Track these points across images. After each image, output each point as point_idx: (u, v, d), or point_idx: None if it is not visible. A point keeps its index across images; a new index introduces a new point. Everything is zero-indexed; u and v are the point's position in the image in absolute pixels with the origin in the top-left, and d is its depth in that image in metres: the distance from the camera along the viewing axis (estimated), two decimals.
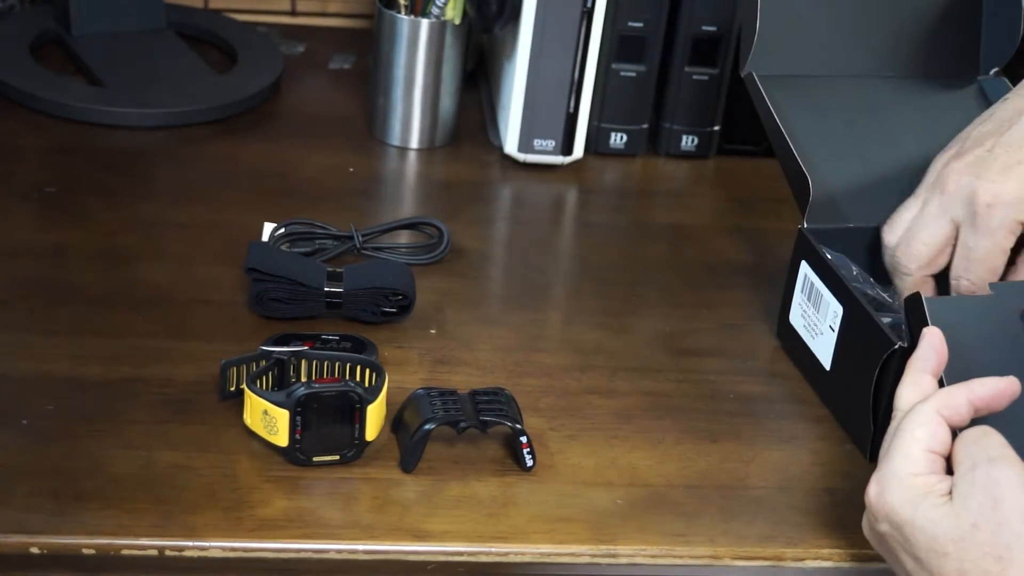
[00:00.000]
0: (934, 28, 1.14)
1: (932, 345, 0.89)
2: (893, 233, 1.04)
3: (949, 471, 0.82)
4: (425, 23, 1.28)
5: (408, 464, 0.94)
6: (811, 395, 1.06)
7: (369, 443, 0.95)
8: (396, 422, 0.97)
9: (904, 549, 0.81)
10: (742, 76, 1.10)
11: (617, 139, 1.34)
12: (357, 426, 0.93)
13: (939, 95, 1.15)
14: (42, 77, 1.34)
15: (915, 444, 0.82)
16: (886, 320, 0.99)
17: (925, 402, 0.84)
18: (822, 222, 1.07)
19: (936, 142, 1.06)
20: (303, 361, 0.98)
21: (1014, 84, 1.07)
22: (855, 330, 1.00)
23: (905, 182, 1.09)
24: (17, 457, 0.92)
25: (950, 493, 0.80)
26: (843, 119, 1.11)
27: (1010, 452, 0.80)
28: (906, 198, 1.07)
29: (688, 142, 1.35)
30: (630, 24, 1.29)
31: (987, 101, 1.13)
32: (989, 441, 0.81)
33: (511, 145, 1.30)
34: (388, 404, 0.96)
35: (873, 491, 0.83)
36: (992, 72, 1.15)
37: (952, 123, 1.07)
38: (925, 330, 0.90)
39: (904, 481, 0.81)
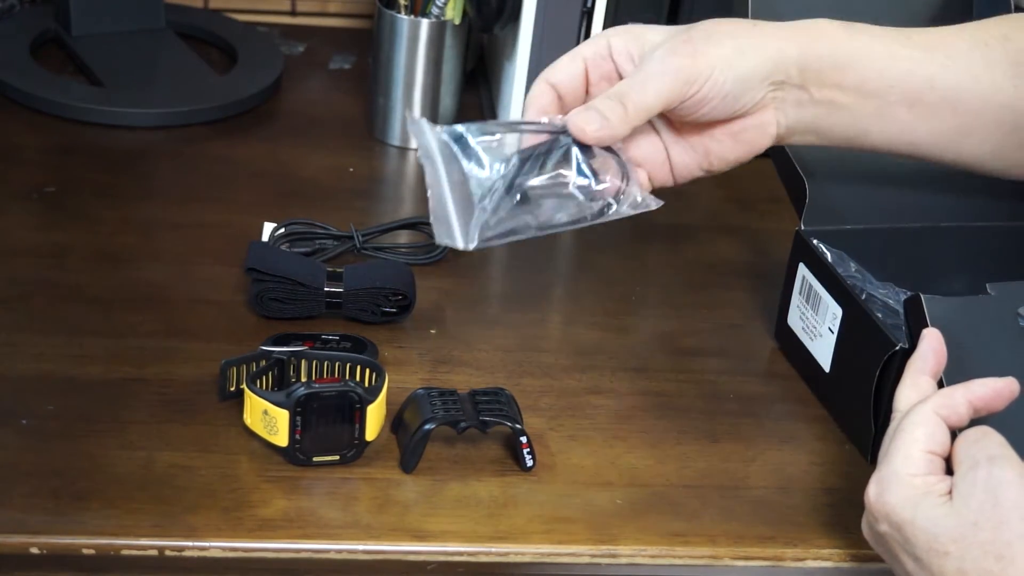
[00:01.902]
0: None
1: (931, 346, 0.89)
2: None
3: (948, 472, 0.82)
4: (425, 23, 1.28)
5: (408, 464, 0.94)
6: (811, 395, 1.06)
7: (369, 443, 0.95)
8: (396, 422, 0.97)
9: (904, 549, 0.81)
10: None
11: None
12: (357, 426, 0.93)
13: None
14: (42, 77, 1.34)
15: (914, 445, 0.82)
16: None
17: (924, 403, 0.84)
18: (819, 224, 1.07)
19: None
20: (303, 361, 0.98)
21: None
22: (855, 331, 1.00)
23: (901, 182, 1.09)
24: (17, 457, 0.92)
25: (950, 493, 0.80)
26: None
27: (1010, 452, 0.80)
28: (904, 198, 1.08)
29: None
30: (630, 24, 1.28)
31: None
32: (989, 441, 0.81)
33: None
34: (388, 404, 0.96)
35: (873, 492, 0.83)
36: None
37: None
38: (924, 331, 0.90)
39: (904, 481, 0.81)
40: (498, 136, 0.93)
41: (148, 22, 1.43)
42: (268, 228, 1.16)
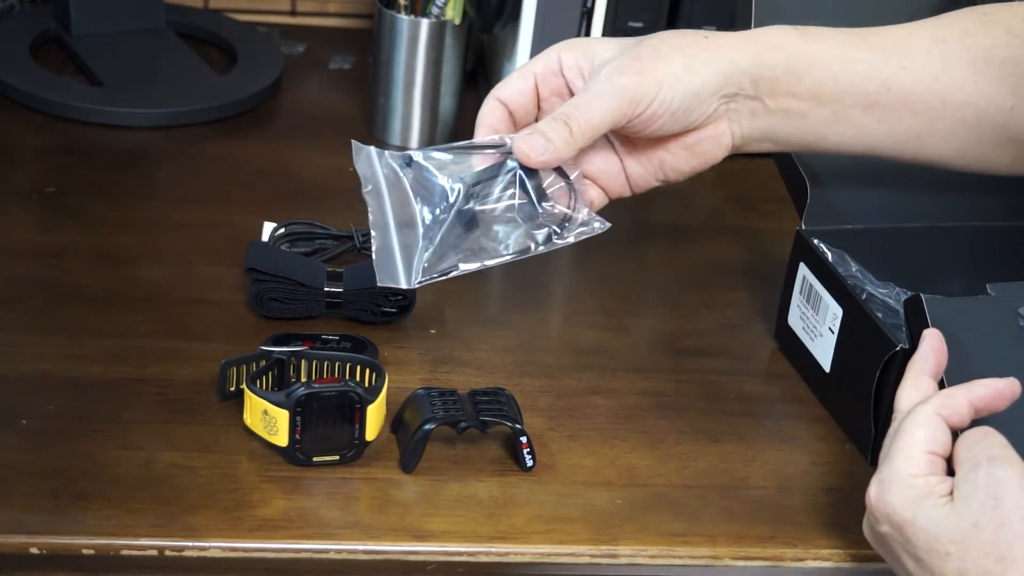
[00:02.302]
0: None
1: (932, 347, 0.89)
2: None
3: (949, 472, 0.82)
4: (425, 23, 1.28)
5: (408, 464, 0.94)
6: (811, 395, 1.06)
7: (369, 443, 0.95)
8: (396, 422, 0.97)
9: (905, 550, 0.81)
10: None
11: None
12: (357, 426, 0.93)
13: None
14: (42, 77, 1.34)
15: (915, 445, 0.82)
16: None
17: (925, 403, 0.84)
18: (820, 224, 1.07)
19: None
20: (303, 361, 0.98)
21: None
22: (855, 332, 1.00)
23: (902, 182, 1.09)
24: (17, 457, 0.92)
25: (951, 494, 0.80)
26: None
27: (1011, 452, 0.80)
28: (904, 198, 1.08)
29: None
30: (630, 24, 1.29)
31: None
32: (990, 441, 0.81)
33: None
34: (388, 404, 0.96)
35: (873, 492, 0.83)
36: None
37: None
38: (925, 332, 0.90)
39: (904, 482, 0.81)
40: (450, 156, 0.94)
41: (148, 22, 1.43)
42: (268, 228, 1.16)
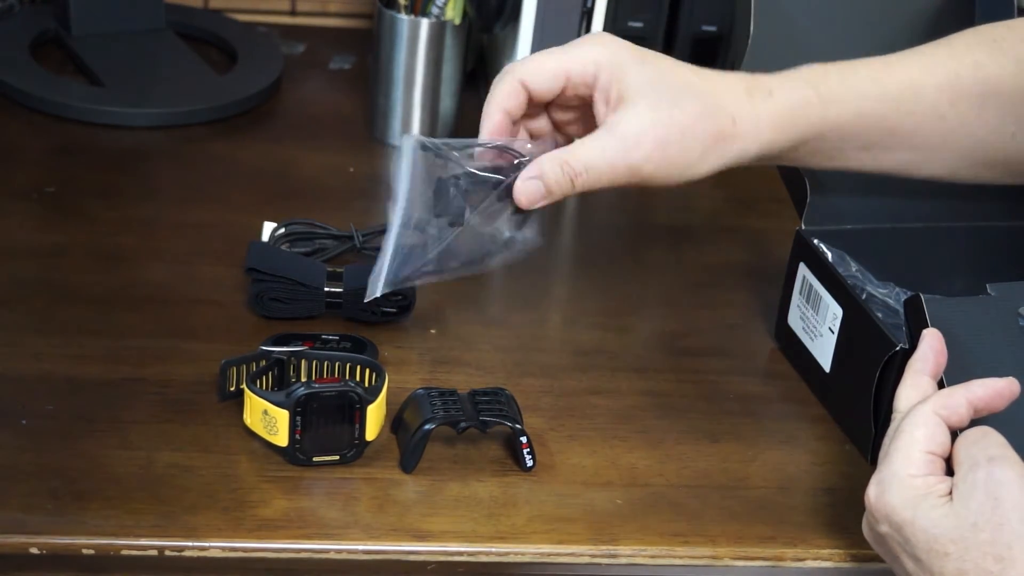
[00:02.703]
0: (928, 33, 1.13)
1: (931, 346, 0.89)
2: None
3: (949, 472, 0.82)
4: (425, 23, 1.28)
5: (408, 464, 0.94)
6: (811, 395, 1.06)
7: (369, 443, 0.95)
8: (396, 422, 0.97)
9: (904, 550, 0.81)
10: None
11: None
12: (357, 426, 0.93)
13: None
14: (42, 77, 1.34)
15: (914, 445, 0.82)
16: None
17: (924, 403, 0.84)
18: (820, 224, 1.07)
19: None
20: (303, 361, 0.98)
21: None
22: (855, 332, 1.00)
23: (902, 182, 1.09)
24: (17, 457, 0.92)
25: (950, 494, 0.80)
26: None
27: (1010, 452, 0.80)
28: (904, 198, 1.08)
29: None
30: (630, 24, 1.29)
31: None
32: (989, 441, 0.81)
33: None
34: (388, 404, 0.96)
35: (873, 492, 0.83)
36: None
37: None
38: (924, 332, 0.90)
39: (904, 482, 0.81)
40: (459, 153, 0.95)
41: (148, 22, 1.43)
42: (268, 228, 1.16)
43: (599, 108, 0.94)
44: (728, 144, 0.94)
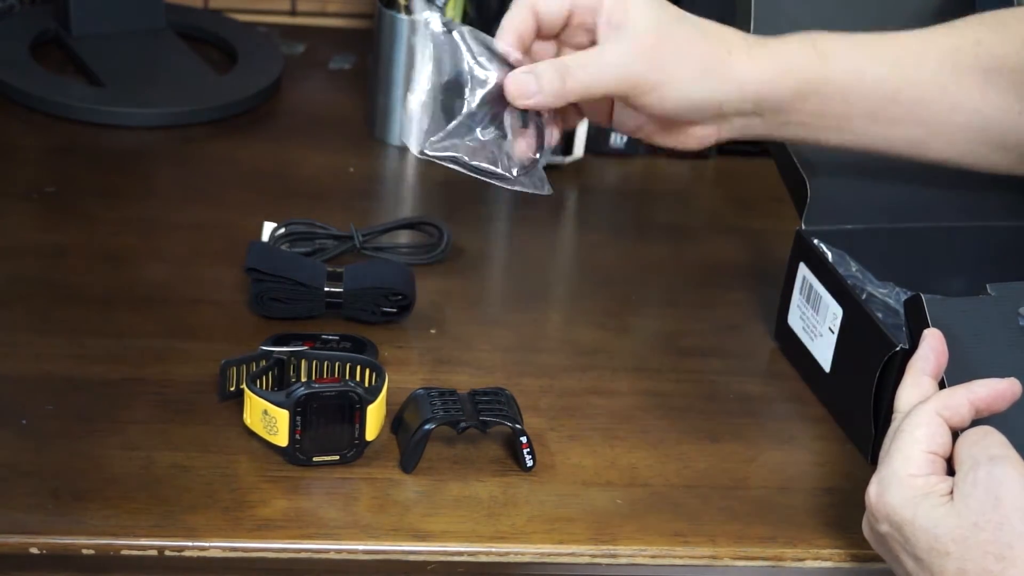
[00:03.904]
0: None
1: (932, 347, 0.89)
2: None
3: (950, 472, 0.82)
4: None
5: (408, 464, 0.94)
6: (811, 395, 1.06)
7: (369, 443, 0.95)
8: (396, 422, 0.97)
9: (905, 549, 0.81)
10: None
11: (617, 139, 1.34)
12: (357, 426, 0.93)
13: None
14: (42, 77, 1.34)
15: (915, 445, 0.82)
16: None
17: (925, 403, 0.84)
18: (820, 223, 1.07)
19: None
20: (303, 361, 0.98)
21: None
22: (855, 332, 1.00)
23: (903, 182, 1.09)
24: (17, 457, 0.92)
25: (951, 493, 0.80)
26: None
27: (1012, 452, 0.80)
28: (905, 197, 1.08)
29: None
30: None
31: None
32: (990, 441, 0.81)
33: None
34: (388, 404, 0.96)
35: (873, 492, 0.83)
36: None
37: None
38: (925, 332, 0.90)
39: (904, 482, 0.81)
40: (485, 50, 0.95)
41: (148, 22, 1.43)
42: (268, 228, 1.16)
43: (602, 30, 0.94)
44: (724, 74, 0.94)
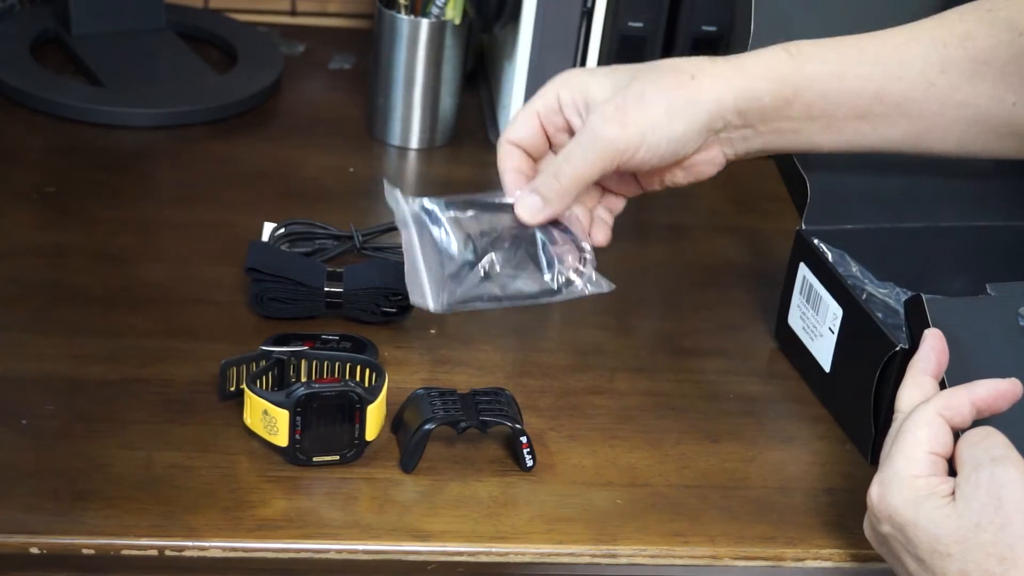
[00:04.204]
0: None
1: (933, 347, 0.89)
2: None
3: (951, 473, 0.82)
4: (425, 23, 1.28)
5: (408, 464, 0.94)
6: (811, 395, 1.06)
7: (369, 443, 0.95)
8: (396, 422, 0.97)
9: (906, 550, 0.81)
10: None
11: None
12: (357, 426, 0.93)
13: None
14: (42, 77, 1.34)
15: (917, 446, 0.82)
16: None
17: (927, 403, 0.84)
18: (820, 223, 1.07)
19: None
20: (303, 361, 0.98)
21: None
22: (855, 332, 1.00)
23: (903, 181, 1.09)
24: (17, 457, 0.92)
25: (953, 494, 0.80)
26: None
27: (1014, 453, 0.80)
28: (903, 199, 1.08)
29: None
30: (630, 24, 1.29)
31: None
32: (992, 442, 0.80)
33: None
34: (388, 404, 0.96)
35: (875, 492, 0.83)
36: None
37: None
38: (926, 332, 0.90)
39: (906, 483, 0.81)
40: (469, 213, 1.00)
41: (148, 22, 1.43)
42: (268, 228, 1.16)
43: (573, 122, 0.98)
44: (693, 98, 0.95)
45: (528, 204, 0.98)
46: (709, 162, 0.99)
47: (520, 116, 1.00)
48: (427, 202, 1.00)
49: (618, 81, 0.97)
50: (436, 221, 0.99)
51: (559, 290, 0.99)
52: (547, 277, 0.99)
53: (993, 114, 0.98)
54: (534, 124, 0.99)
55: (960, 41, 0.97)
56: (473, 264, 0.98)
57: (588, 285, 1.00)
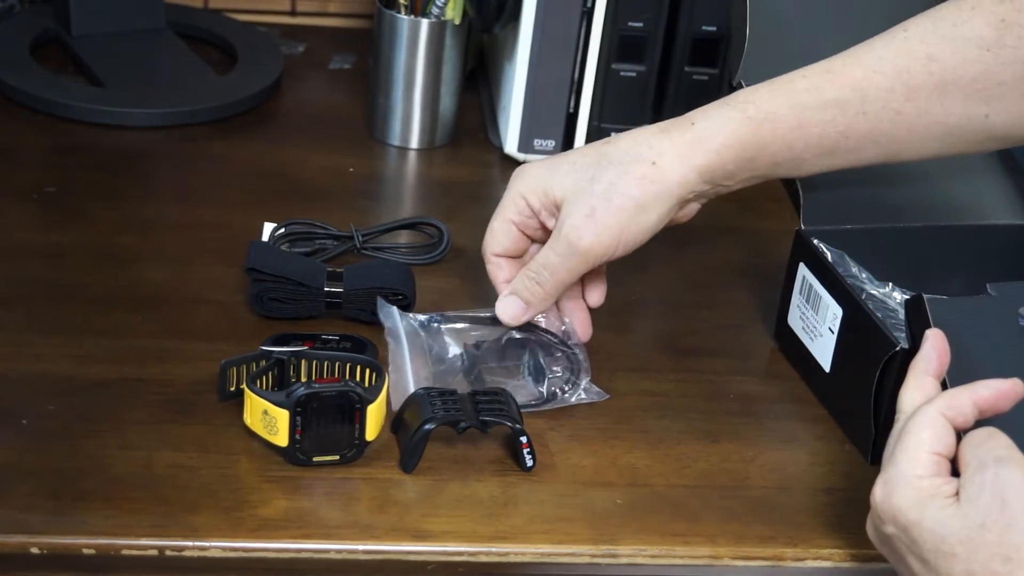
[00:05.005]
0: None
1: (935, 347, 0.88)
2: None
3: (954, 473, 0.82)
4: (425, 23, 1.28)
5: (408, 464, 0.94)
6: (811, 395, 1.06)
7: (369, 443, 0.95)
8: (396, 422, 0.97)
9: (911, 551, 0.81)
10: (733, 85, 1.10)
11: None
12: (357, 426, 0.93)
13: None
14: (42, 77, 1.34)
15: (920, 447, 0.82)
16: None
17: (929, 404, 0.84)
18: (819, 224, 1.07)
19: None
20: (303, 361, 0.98)
21: None
22: (855, 332, 1.00)
23: (902, 181, 1.09)
24: (17, 457, 0.92)
25: (956, 495, 0.80)
26: None
27: (1017, 453, 0.80)
28: (903, 199, 1.07)
29: None
30: (630, 24, 1.28)
31: None
32: (996, 442, 0.80)
33: (511, 145, 1.30)
34: (388, 404, 0.96)
35: (879, 493, 0.83)
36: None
37: None
38: (928, 332, 0.89)
39: (910, 483, 0.81)
40: (462, 326, 1.04)
41: (148, 22, 1.43)
42: (268, 228, 1.16)
43: (549, 224, 1.01)
44: (660, 186, 0.98)
45: (510, 308, 1.03)
46: (686, 215, 1.03)
47: (497, 228, 1.03)
48: (423, 317, 1.04)
49: (579, 179, 0.99)
50: (431, 332, 1.03)
51: (550, 399, 1.02)
52: (540, 388, 1.02)
53: (967, 127, 0.97)
54: (512, 233, 1.03)
55: (924, 66, 0.96)
56: (466, 372, 1.01)
57: (582, 394, 1.02)
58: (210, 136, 1.31)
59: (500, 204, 1.04)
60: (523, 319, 1.03)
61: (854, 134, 0.97)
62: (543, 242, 1.03)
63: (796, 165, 1.00)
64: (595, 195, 0.98)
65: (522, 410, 0.97)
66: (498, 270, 1.04)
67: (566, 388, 1.02)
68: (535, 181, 1.01)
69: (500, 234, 1.03)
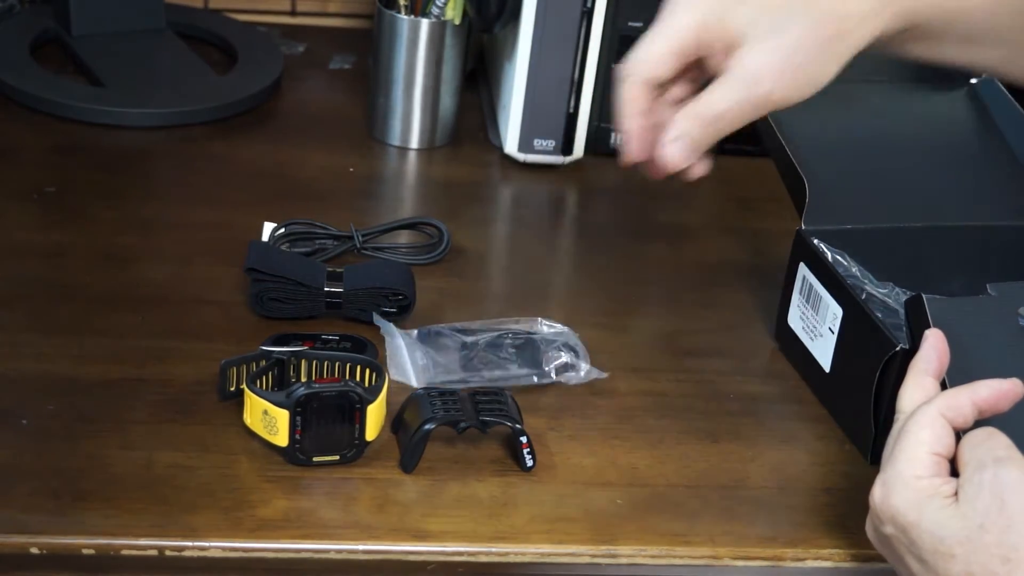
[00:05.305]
0: None
1: (934, 347, 0.88)
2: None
3: (953, 473, 0.82)
4: (425, 23, 1.28)
5: (408, 464, 0.94)
6: (811, 395, 1.06)
7: (369, 443, 0.95)
8: (396, 422, 0.97)
9: (910, 551, 0.81)
10: None
11: (617, 139, 1.33)
12: (357, 426, 0.93)
13: (931, 98, 1.15)
14: (42, 77, 1.34)
15: (920, 447, 0.82)
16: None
17: (929, 404, 0.84)
18: (819, 223, 1.07)
19: (929, 144, 1.06)
20: (303, 361, 0.98)
21: (1006, 87, 1.08)
22: (855, 332, 1.00)
23: (902, 181, 1.09)
24: (17, 457, 0.92)
25: (955, 495, 0.80)
26: (837, 123, 1.11)
27: (1016, 454, 0.80)
28: (903, 199, 1.07)
29: None
30: (630, 24, 1.29)
31: (979, 103, 1.14)
32: (995, 443, 0.80)
33: (511, 145, 1.30)
34: (388, 404, 0.96)
35: (878, 493, 0.83)
36: (983, 75, 1.15)
37: (943, 125, 1.07)
38: (927, 332, 0.89)
39: (909, 484, 0.81)
40: (462, 332, 1.05)
41: (148, 22, 1.43)
42: (268, 228, 1.16)
43: (716, 62, 0.93)
44: (843, 44, 0.93)
45: (676, 150, 0.93)
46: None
47: (655, 52, 0.93)
48: (423, 328, 1.04)
49: (759, 16, 0.92)
50: (429, 336, 1.04)
51: (547, 376, 1.03)
52: (538, 369, 1.03)
53: None
54: (671, 65, 0.93)
55: None
56: (464, 364, 1.02)
57: (582, 374, 1.04)
58: (210, 136, 1.31)
59: (656, 29, 0.93)
60: (691, 162, 0.94)
61: (997, 27, 0.97)
62: (688, 90, 0.96)
63: (930, 47, 0.97)
64: (785, 49, 0.92)
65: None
66: (637, 98, 0.94)
67: (567, 367, 1.03)
68: (711, 8, 0.93)
69: (658, 62, 0.93)
